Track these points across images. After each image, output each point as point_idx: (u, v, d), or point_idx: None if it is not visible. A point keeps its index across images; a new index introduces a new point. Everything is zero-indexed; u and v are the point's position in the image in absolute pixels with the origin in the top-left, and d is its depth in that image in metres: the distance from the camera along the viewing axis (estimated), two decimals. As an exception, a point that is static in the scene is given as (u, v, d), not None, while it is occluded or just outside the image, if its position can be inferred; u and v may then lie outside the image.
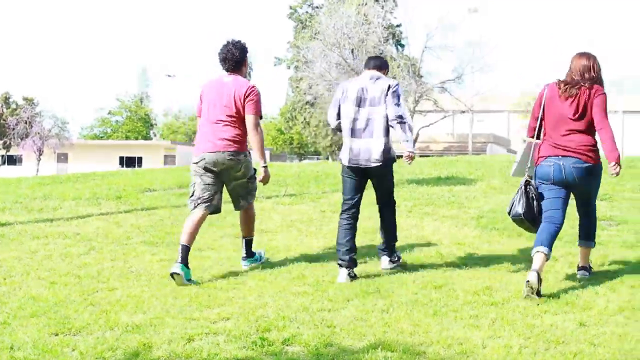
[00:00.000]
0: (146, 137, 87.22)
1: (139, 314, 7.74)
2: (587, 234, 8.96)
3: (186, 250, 8.97)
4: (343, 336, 7.09)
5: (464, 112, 59.99)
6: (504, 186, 13.97)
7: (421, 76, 56.69)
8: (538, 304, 7.81)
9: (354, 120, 8.92)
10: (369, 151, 8.90)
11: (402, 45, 66.78)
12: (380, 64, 9.23)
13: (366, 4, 58.86)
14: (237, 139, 9.11)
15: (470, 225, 11.25)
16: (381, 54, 58.61)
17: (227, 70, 9.33)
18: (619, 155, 8.24)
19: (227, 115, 9.08)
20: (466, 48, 56.53)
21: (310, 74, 59.21)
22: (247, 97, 9.09)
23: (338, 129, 9.17)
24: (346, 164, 9.07)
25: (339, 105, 9.04)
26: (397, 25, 65.82)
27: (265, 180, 9.33)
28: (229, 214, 12.14)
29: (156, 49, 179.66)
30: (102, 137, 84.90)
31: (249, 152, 9.35)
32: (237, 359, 6.62)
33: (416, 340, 6.98)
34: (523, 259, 9.45)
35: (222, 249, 10.16)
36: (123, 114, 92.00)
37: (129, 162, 77.59)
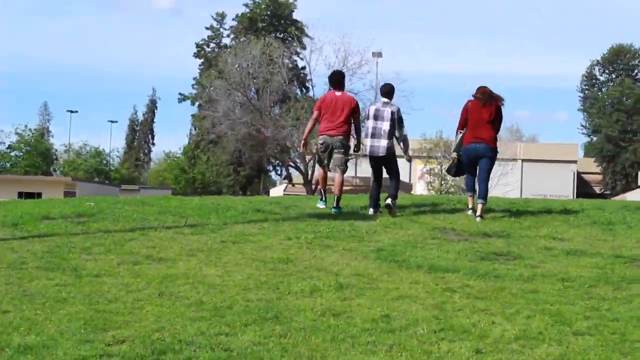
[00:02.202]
0: (46, 173, 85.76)
1: (32, 336, 7.57)
2: (483, 195, 14.88)
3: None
4: (240, 360, 7.04)
5: (366, 156, 60.36)
6: (404, 222, 14.07)
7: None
8: (435, 331, 7.87)
9: (374, 127, 15.06)
10: (379, 148, 15.14)
11: (307, 88, 67.08)
12: (387, 90, 15.54)
13: (272, 45, 59.06)
14: (347, 130, 15.41)
15: (370, 257, 11.28)
16: (285, 93, 58.95)
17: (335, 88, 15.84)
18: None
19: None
20: (369, 92, 56.77)
21: (214, 113, 59.14)
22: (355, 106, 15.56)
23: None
24: (367, 153, 15.40)
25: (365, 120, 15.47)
26: (302, 68, 66.14)
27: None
28: (127, 242, 12.02)
29: (58, 83, 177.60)
30: (0, 171, 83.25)
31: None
32: (132, 381, 6.53)
33: (313, 364, 6.97)
34: (422, 289, 9.51)
35: (119, 276, 10.01)
36: (23, 149, 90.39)
37: (28, 197, 75.77)
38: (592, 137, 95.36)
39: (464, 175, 15.56)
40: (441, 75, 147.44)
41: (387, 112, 14.88)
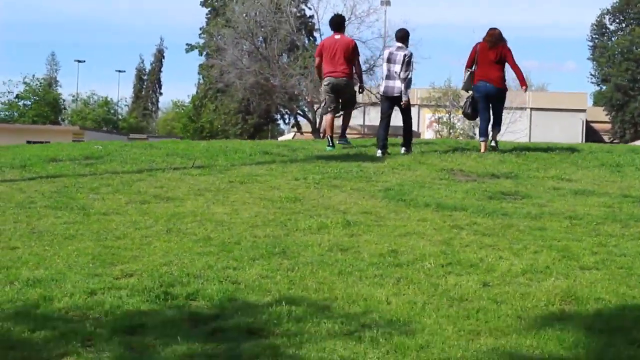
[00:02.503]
0: (54, 122, 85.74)
1: (41, 270, 7.62)
2: (495, 126, 16.13)
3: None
4: (247, 292, 7.07)
5: (374, 104, 60.11)
6: (412, 163, 14.06)
7: (333, 67, 56.52)
8: (442, 266, 7.88)
9: (388, 70, 15.73)
10: (394, 88, 15.72)
11: (315, 37, 66.70)
12: (402, 35, 16.06)
13: (279, -7, 58.63)
14: (348, 72, 16.38)
15: (378, 197, 11.28)
16: (294, 41, 58.65)
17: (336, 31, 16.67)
18: (524, 79, 16.09)
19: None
20: (377, 40, 56.40)
21: (222, 62, 58.87)
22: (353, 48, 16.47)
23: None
24: (381, 92, 16.07)
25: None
26: (310, 17, 65.73)
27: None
28: (135, 182, 12.04)
29: (66, 33, 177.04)
30: (8, 120, 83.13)
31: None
32: (140, 312, 6.57)
33: (321, 296, 7.00)
34: (429, 226, 9.51)
35: (127, 214, 10.03)
36: (31, 98, 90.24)
37: (36, 146, 75.84)
38: (601, 86, 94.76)
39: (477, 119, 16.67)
40: (449, 25, 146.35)
41: (400, 55, 15.53)
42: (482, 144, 16.04)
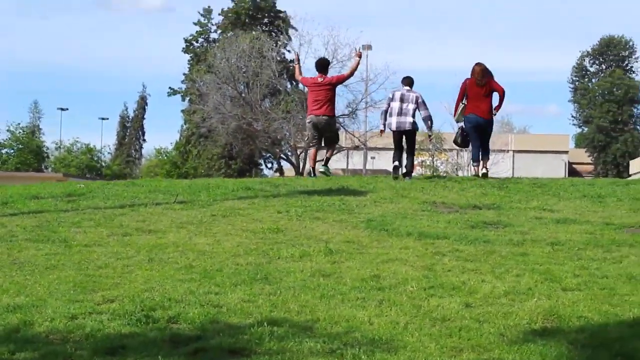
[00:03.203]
0: (38, 170, 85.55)
1: (21, 297, 7.59)
2: (487, 155, 17.72)
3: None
4: (229, 315, 7.06)
5: (357, 147, 60.22)
6: (394, 197, 14.08)
7: (315, 111, 56.57)
8: (425, 289, 7.88)
9: (400, 107, 17.53)
10: (405, 123, 17.49)
11: (296, 81, 66.95)
12: (409, 82, 17.99)
13: (260, 39, 58.89)
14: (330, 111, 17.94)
15: (360, 227, 11.29)
16: (276, 86, 58.84)
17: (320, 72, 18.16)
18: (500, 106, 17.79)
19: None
20: (359, 84, 56.53)
21: (204, 107, 58.98)
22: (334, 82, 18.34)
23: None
24: (394, 128, 17.66)
25: (389, 101, 17.91)
26: (291, 61, 66.00)
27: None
28: (117, 217, 12.01)
29: (49, 81, 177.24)
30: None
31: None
32: (121, 334, 6.54)
33: (303, 318, 7.00)
34: (412, 253, 9.52)
35: (109, 245, 10.00)
36: (14, 146, 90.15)
37: (19, 194, 75.62)
38: (583, 127, 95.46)
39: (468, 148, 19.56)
40: (430, 70, 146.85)
41: (412, 96, 17.60)
42: (475, 168, 17.99)
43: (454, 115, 18.03)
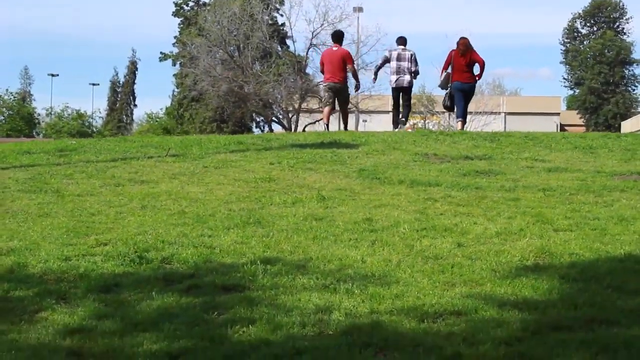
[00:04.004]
0: (29, 136, 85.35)
1: (15, 241, 7.60)
2: (462, 115, 19.43)
3: None
4: (222, 255, 7.09)
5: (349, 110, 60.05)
6: (386, 149, 14.09)
7: (307, 73, 56.51)
8: (417, 230, 7.92)
9: (398, 66, 19.18)
10: (404, 80, 19.19)
11: (287, 45, 66.70)
12: (403, 41, 19.60)
13: (250, 2, 58.55)
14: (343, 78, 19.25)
15: (352, 176, 11.31)
16: (267, 49, 58.65)
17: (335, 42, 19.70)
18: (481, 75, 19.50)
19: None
20: (350, 46, 56.32)
21: (195, 71, 58.76)
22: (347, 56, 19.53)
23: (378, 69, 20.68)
24: (394, 86, 19.35)
25: (385, 59, 19.77)
26: (282, 24, 65.76)
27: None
28: (109, 169, 12.01)
29: (39, 48, 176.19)
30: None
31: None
32: (114, 274, 6.57)
33: (296, 257, 7.04)
34: (404, 199, 9.55)
35: (101, 195, 10.01)
36: (5, 113, 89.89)
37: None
38: (574, 89, 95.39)
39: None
40: (421, 33, 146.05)
41: (407, 54, 19.42)
42: (459, 123, 19.54)
43: (440, 83, 19.82)
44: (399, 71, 19.38)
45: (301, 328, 5.27)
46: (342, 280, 6.24)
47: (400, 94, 19.78)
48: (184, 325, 5.33)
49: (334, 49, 19.64)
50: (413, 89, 21.03)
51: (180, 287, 6.18)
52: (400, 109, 19.93)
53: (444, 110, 22.56)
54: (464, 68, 19.03)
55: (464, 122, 19.83)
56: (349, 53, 20.46)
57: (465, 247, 7.36)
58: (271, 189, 10.38)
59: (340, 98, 19.85)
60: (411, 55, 19.48)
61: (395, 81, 19.50)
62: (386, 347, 4.94)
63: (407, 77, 19.40)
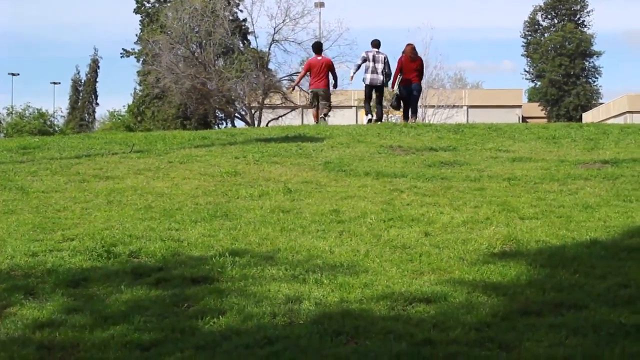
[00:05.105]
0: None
1: (-21, 238, 7.53)
2: (415, 112, 20.94)
3: None
4: (191, 248, 7.09)
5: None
6: (351, 142, 14.14)
7: (269, 69, 56.40)
8: (384, 221, 7.95)
9: (374, 67, 20.29)
10: (378, 79, 20.40)
11: (249, 41, 66.51)
12: (377, 44, 21.02)
13: (212, -1, 58.26)
14: (327, 83, 20.76)
15: (318, 169, 11.34)
16: (229, 45, 58.48)
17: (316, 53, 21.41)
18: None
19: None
20: (312, 41, 56.19)
21: (158, 68, 58.46)
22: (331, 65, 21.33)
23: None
24: (368, 83, 20.42)
25: (364, 59, 20.40)
26: (243, 20, 65.57)
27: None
28: (74, 166, 11.95)
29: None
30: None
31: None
32: (82, 269, 6.54)
33: (264, 249, 7.05)
34: (370, 190, 9.60)
35: (67, 191, 9.97)
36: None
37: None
38: (535, 82, 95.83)
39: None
40: (383, 28, 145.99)
41: (381, 57, 20.81)
42: (413, 118, 21.02)
43: (392, 87, 21.43)
44: (374, 71, 20.80)
45: (272, 318, 5.28)
46: (311, 271, 6.25)
47: (373, 90, 21.28)
48: (154, 318, 5.32)
49: (318, 58, 21.61)
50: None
51: (149, 280, 6.16)
52: (372, 103, 21.79)
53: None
54: (413, 71, 20.75)
55: (414, 118, 21.25)
56: (332, 62, 22.52)
57: (432, 236, 7.40)
58: (237, 182, 10.38)
59: (323, 98, 21.52)
60: (384, 57, 20.95)
61: (370, 79, 20.95)
62: (357, 335, 4.96)
63: (381, 77, 20.83)
